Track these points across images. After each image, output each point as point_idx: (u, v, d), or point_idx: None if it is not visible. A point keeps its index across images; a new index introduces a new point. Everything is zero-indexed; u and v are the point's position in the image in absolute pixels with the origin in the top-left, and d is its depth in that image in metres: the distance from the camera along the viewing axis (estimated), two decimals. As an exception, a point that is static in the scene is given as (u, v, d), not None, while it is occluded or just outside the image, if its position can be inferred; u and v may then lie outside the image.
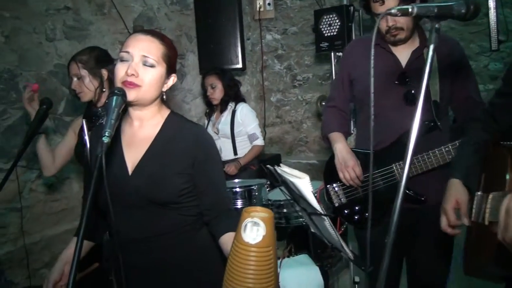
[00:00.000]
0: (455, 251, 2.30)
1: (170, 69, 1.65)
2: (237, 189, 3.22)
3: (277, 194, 3.18)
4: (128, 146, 1.66)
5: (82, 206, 2.53)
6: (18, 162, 2.31)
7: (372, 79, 1.37)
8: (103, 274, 1.92)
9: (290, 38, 4.96)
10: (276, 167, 2.02)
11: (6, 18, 3.20)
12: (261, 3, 4.92)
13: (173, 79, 1.68)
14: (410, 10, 1.26)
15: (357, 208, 2.36)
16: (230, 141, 3.84)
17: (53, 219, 3.47)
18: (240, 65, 4.36)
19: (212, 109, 3.99)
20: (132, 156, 1.63)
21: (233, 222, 1.63)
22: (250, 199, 3.23)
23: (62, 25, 3.56)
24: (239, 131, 3.82)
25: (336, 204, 2.41)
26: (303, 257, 3.00)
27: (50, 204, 3.49)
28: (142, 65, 1.55)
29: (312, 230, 2.07)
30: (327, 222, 1.83)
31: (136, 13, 4.13)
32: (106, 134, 1.30)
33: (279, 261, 2.88)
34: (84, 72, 2.40)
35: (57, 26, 3.52)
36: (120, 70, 1.54)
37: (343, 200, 2.40)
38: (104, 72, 2.41)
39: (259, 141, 3.84)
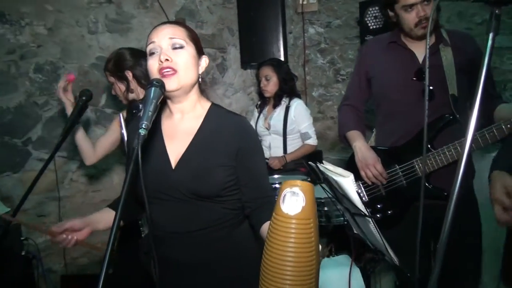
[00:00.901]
0: (487, 256, 2.20)
1: (199, 50, 1.62)
2: (277, 185, 3.16)
3: (318, 192, 3.09)
4: (170, 139, 1.63)
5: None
6: (56, 153, 2.30)
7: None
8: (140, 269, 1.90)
9: (334, 31, 4.83)
10: (319, 164, 1.94)
11: (49, 12, 3.25)
12: (304, -4, 4.81)
13: (205, 60, 1.65)
14: None
15: (379, 206, 2.32)
16: (281, 138, 3.66)
17: (93, 209, 3.49)
18: (282, 59, 4.27)
19: (264, 101, 3.83)
20: (175, 150, 1.60)
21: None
22: (289, 196, 3.16)
23: (104, 18, 3.59)
24: (291, 129, 3.63)
25: None
26: (344, 258, 2.91)
27: (90, 194, 3.54)
28: (171, 49, 1.52)
29: (355, 231, 1.99)
30: (371, 224, 1.74)
31: (178, 6, 4.11)
32: (143, 126, 1.27)
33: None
34: (112, 79, 2.53)
35: (99, 19, 3.55)
36: (153, 63, 1.52)
37: (365, 198, 2.35)
38: (128, 73, 2.45)
39: (312, 141, 3.65)
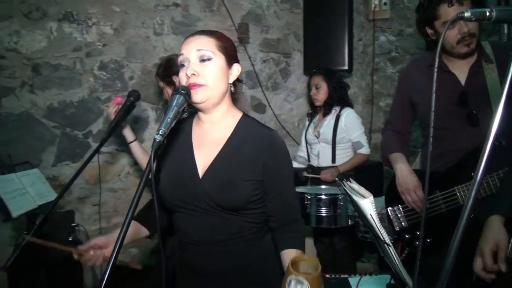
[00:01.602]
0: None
1: (230, 59, 1.59)
2: (322, 197, 3.12)
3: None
4: (199, 148, 1.62)
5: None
6: (101, 147, 2.36)
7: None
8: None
9: (406, 40, 4.65)
10: (344, 182, 1.89)
11: (116, 13, 3.43)
12: (376, 3, 4.67)
13: (237, 68, 1.61)
14: (488, 13, 1.08)
15: (418, 233, 2.18)
16: (330, 147, 3.59)
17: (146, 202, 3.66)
18: (346, 67, 4.20)
19: (315, 110, 3.80)
20: (203, 158, 1.60)
21: (296, 237, 1.62)
22: (335, 208, 3.10)
23: (170, 21, 3.73)
24: (341, 138, 3.56)
25: (397, 228, 2.26)
26: (384, 278, 2.80)
27: (148, 190, 3.67)
28: (199, 62, 1.51)
29: (381, 254, 1.92)
30: (392, 252, 1.67)
31: (245, 11, 4.17)
32: (160, 133, 1.27)
33: (357, 279, 2.73)
34: (161, 84, 2.64)
35: (165, 21, 3.69)
36: (182, 76, 1.53)
37: (404, 223, 2.24)
38: (176, 79, 2.54)
39: (364, 150, 3.57)
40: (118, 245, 1.17)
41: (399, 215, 2.26)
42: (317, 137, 3.65)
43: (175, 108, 1.36)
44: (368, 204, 1.64)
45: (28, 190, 2.43)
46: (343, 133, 3.54)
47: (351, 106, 3.69)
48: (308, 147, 3.78)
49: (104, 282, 1.14)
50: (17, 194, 2.33)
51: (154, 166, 1.26)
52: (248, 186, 1.53)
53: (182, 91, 1.40)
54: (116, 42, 3.46)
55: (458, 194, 2.06)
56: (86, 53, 3.34)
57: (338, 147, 3.56)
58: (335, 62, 4.21)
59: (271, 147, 1.58)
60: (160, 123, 1.30)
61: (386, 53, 4.81)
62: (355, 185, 1.78)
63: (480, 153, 2.01)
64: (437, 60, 1.27)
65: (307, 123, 3.90)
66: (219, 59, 1.53)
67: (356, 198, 1.67)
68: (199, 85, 1.49)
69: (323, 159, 3.62)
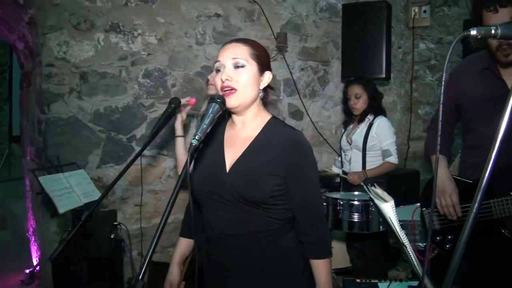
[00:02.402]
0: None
1: (263, 66, 1.70)
2: (355, 202, 3.17)
3: (399, 213, 3.04)
4: (229, 145, 1.76)
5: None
6: (144, 150, 2.46)
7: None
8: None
9: (445, 48, 4.64)
10: (369, 186, 1.97)
11: (160, 23, 3.62)
12: (416, 10, 4.68)
13: (268, 75, 1.72)
14: (493, 31, 1.15)
15: (449, 237, 2.22)
16: (361, 154, 3.66)
17: (185, 205, 3.81)
18: (383, 75, 4.23)
19: (350, 118, 3.88)
20: (231, 155, 1.72)
21: (322, 248, 1.72)
22: (367, 214, 3.16)
23: (212, 31, 3.89)
24: (372, 145, 3.62)
25: None
26: (413, 284, 2.82)
27: (184, 191, 3.82)
28: (234, 68, 1.64)
29: (404, 258, 1.97)
30: (410, 251, 1.74)
31: (285, 20, 4.28)
32: (196, 138, 1.39)
33: (386, 284, 2.76)
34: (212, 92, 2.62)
35: (207, 31, 3.85)
36: (217, 80, 1.67)
37: (437, 226, 2.27)
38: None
39: (393, 159, 3.59)
40: (154, 242, 1.29)
41: (433, 217, 2.28)
42: (350, 144, 3.73)
43: (211, 115, 1.49)
44: (388, 208, 1.74)
45: (74, 189, 2.62)
46: (374, 140, 3.60)
47: (385, 114, 3.73)
48: (342, 153, 3.87)
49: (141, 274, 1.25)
50: (64, 192, 2.52)
51: (190, 168, 1.39)
52: (271, 181, 1.63)
53: (218, 100, 1.54)
54: (160, 51, 3.64)
55: (492, 207, 2.05)
56: (131, 62, 3.53)
57: (368, 154, 3.62)
58: (372, 70, 4.25)
59: (295, 146, 1.68)
60: (197, 128, 1.44)
61: (425, 60, 4.80)
62: (378, 190, 1.87)
63: None
64: (444, 75, 1.31)
65: (342, 130, 4.00)
66: (251, 67, 1.65)
67: (377, 201, 1.76)
68: (232, 89, 1.62)
69: (354, 165, 3.69)
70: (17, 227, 5.34)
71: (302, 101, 4.37)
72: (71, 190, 2.60)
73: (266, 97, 1.80)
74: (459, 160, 2.54)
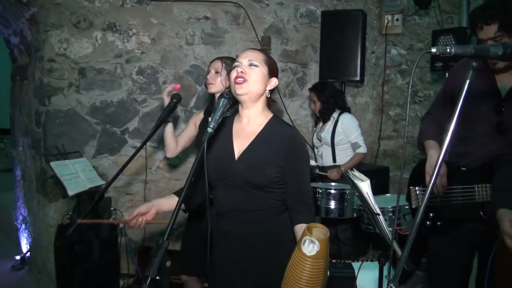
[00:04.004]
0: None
1: (272, 72, 2.05)
2: (332, 191, 3.51)
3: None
4: (237, 137, 2.07)
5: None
6: (147, 142, 2.66)
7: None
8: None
9: (415, 54, 5.02)
10: (349, 171, 2.29)
11: (153, 24, 3.88)
12: (389, 18, 5.06)
13: (275, 81, 2.07)
14: (448, 50, 1.43)
15: (431, 214, 2.45)
16: (330, 148, 4.08)
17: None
18: (358, 78, 4.56)
19: (318, 118, 4.28)
20: (239, 146, 2.03)
21: (307, 215, 2.01)
22: (342, 201, 3.49)
23: (201, 32, 4.16)
24: (339, 140, 4.03)
25: (413, 206, 2.57)
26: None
27: (173, 182, 4.11)
28: (248, 66, 1.99)
29: (377, 231, 2.30)
30: (381, 221, 2.07)
31: (267, 24, 4.58)
32: (211, 127, 1.69)
33: (359, 263, 3.09)
34: (223, 72, 2.84)
35: (196, 32, 4.12)
36: (233, 73, 2.00)
37: (420, 203, 2.51)
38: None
39: (362, 149, 4.00)
40: (172, 220, 1.56)
41: (418, 196, 2.56)
42: (320, 141, 4.16)
43: (221, 108, 1.80)
44: (365, 186, 2.08)
45: (80, 175, 2.85)
46: (341, 135, 4.03)
47: (349, 110, 4.18)
48: (315, 149, 4.30)
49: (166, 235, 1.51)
50: (72, 177, 2.76)
51: (205, 151, 1.67)
52: (272, 169, 1.96)
53: (226, 96, 1.85)
54: (153, 50, 3.89)
55: (476, 191, 2.29)
56: (126, 59, 3.77)
57: (337, 148, 4.05)
58: (348, 73, 4.59)
59: (292, 140, 2.02)
60: (210, 119, 1.74)
61: (396, 65, 5.18)
62: (356, 173, 2.20)
63: (503, 160, 2.30)
64: (411, 83, 1.61)
65: (315, 128, 4.42)
66: (263, 68, 2.01)
67: (357, 181, 2.10)
68: (243, 79, 1.94)
69: (325, 159, 4.13)
70: (3, 217, 5.48)
71: (282, 100, 4.67)
72: (77, 175, 2.84)
73: (271, 100, 2.11)
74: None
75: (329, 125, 4.09)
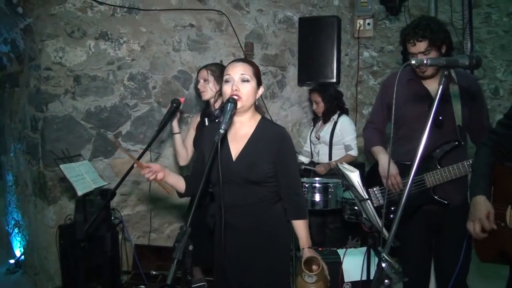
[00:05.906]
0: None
1: (259, 82, 2.28)
2: (316, 185, 3.79)
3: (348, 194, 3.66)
4: (232, 140, 2.30)
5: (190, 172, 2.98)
6: (150, 146, 2.86)
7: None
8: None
9: (386, 56, 5.37)
10: (339, 164, 2.57)
11: (142, 32, 4.08)
12: (361, 23, 5.39)
13: (261, 89, 2.33)
14: (425, 62, 1.72)
15: (392, 208, 2.78)
16: (327, 147, 4.34)
17: (165, 194, 4.23)
18: (334, 79, 4.88)
19: (317, 117, 4.53)
20: (235, 148, 2.27)
21: (295, 211, 2.32)
22: (326, 194, 3.75)
23: (187, 39, 4.37)
24: (337, 141, 4.30)
25: (375, 205, 2.86)
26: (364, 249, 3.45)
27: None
28: (240, 81, 2.20)
29: (364, 217, 2.57)
30: (370, 206, 2.35)
31: (248, 30, 4.83)
32: (223, 127, 1.89)
33: (344, 250, 3.38)
34: (210, 78, 3.10)
35: (182, 39, 4.34)
36: (227, 89, 2.21)
37: (381, 201, 2.86)
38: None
39: (353, 152, 4.28)
40: (194, 209, 1.80)
41: (377, 195, 2.90)
42: (318, 139, 4.41)
43: (229, 112, 2.02)
44: (355, 176, 2.36)
45: (85, 176, 3.04)
46: (338, 137, 4.30)
47: (347, 113, 4.46)
48: (312, 145, 4.54)
49: (188, 222, 1.75)
50: (79, 179, 2.95)
51: (213, 152, 1.89)
52: (266, 166, 2.23)
53: (232, 101, 2.07)
54: (142, 57, 4.08)
55: (426, 179, 2.66)
56: (117, 66, 3.95)
57: (334, 148, 4.32)
58: (325, 75, 4.90)
59: (282, 139, 2.29)
60: (221, 122, 1.94)
61: (368, 67, 5.52)
62: (346, 165, 2.48)
63: (443, 148, 2.65)
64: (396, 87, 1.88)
65: (311, 127, 4.68)
66: (253, 82, 2.24)
67: (347, 172, 2.38)
68: (238, 96, 2.14)
69: (321, 157, 4.39)
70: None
71: (263, 101, 4.93)
72: (83, 177, 3.03)
73: (258, 103, 2.41)
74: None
75: (329, 126, 4.34)
